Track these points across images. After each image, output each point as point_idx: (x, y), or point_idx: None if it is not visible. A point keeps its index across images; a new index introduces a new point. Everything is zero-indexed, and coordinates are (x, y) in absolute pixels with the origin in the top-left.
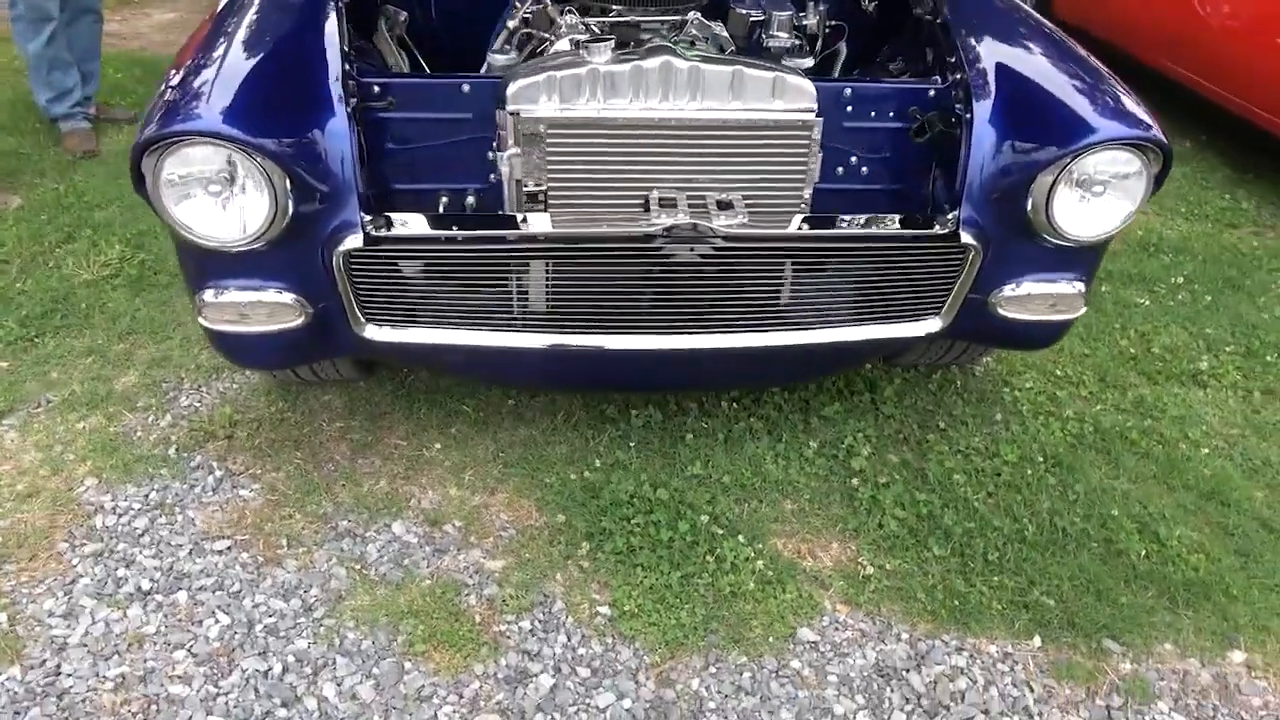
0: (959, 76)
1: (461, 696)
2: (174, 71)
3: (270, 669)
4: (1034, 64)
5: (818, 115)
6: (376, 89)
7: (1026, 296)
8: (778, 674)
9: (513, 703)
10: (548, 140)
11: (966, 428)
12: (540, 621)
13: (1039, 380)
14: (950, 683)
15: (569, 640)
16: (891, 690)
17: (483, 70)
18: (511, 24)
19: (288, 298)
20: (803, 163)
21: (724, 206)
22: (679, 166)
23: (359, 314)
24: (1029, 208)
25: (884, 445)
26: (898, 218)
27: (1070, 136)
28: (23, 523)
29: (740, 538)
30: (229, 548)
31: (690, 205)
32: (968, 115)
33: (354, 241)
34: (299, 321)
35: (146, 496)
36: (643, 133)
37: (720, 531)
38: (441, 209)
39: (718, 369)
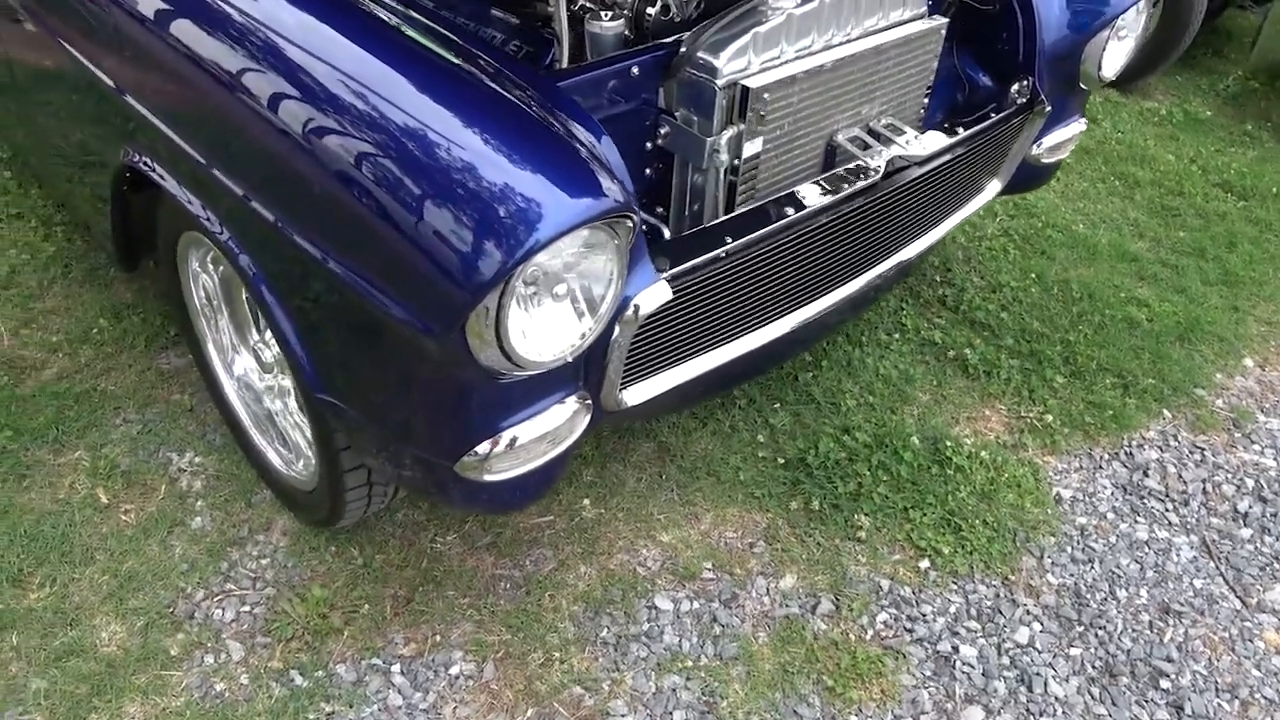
0: None
1: (925, 711)
2: (432, 198)
3: None
4: None
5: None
6: None
7: (1060, 142)
8: (1084, 533)
9: (964, 686)
10: (769, 106)
11: (954, 273)
12: (890, 606)
13: None
14: (1165, 471)
15: (933, 605)
16: (1144, 499)
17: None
18: None
19: (573, 401)
20: (933, 67)
21: (893, 130)
22: (849, 101)
23: (619, 382)
24: (1083, 61)
25: (929, 314)
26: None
27: None
28: None
29: (944, 442)
30: None
31: (874, 136)
32: None
33: (657, 296)
34: (588, 420)
35: None
36: (828, 74)
37: (926, 445)
38: None
39: (858, 301)
